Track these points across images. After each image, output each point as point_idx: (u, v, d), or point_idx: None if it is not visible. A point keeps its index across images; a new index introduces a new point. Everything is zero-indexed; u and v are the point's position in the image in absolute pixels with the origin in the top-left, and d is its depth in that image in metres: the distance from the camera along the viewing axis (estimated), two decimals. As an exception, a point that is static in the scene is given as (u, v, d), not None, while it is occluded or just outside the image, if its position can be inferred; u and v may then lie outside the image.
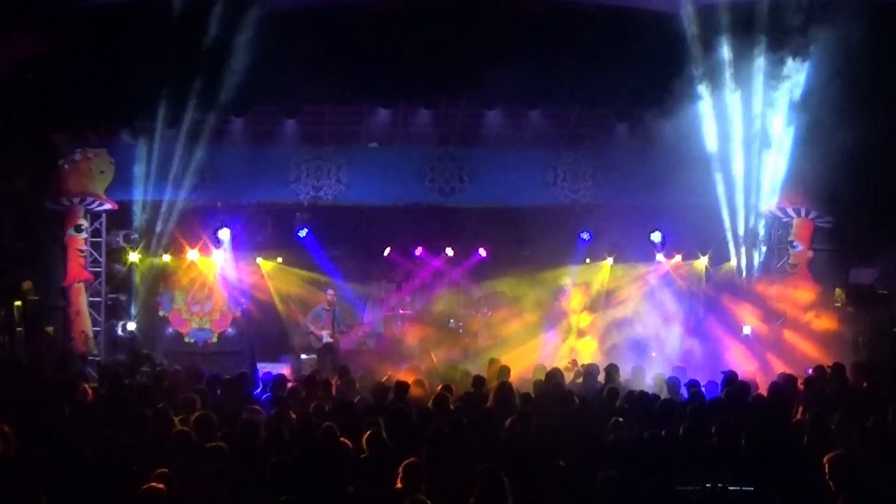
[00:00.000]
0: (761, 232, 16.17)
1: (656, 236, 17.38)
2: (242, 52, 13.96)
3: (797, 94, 14.48)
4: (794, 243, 16.35)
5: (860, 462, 6.80)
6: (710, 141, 15.37)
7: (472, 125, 16.46)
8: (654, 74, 14.30)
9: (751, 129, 15.25)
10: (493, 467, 6.23)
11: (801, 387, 10.97)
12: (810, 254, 16.28)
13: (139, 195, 15.96)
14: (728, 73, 14.59)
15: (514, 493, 6.49)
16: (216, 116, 14.72)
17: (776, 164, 15.42)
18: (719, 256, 16.84)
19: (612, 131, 15.98)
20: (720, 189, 15.70)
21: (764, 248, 16.22)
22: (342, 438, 7.71)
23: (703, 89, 14.73)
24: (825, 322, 15.63)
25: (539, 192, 16.74)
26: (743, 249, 16.27)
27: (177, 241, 16.36)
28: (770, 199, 15.79)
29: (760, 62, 14.46)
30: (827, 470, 6.56)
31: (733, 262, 16.40)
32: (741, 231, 16.14)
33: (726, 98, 14.95)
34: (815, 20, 13.57)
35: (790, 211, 16.29)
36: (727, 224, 16.06)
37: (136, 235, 16.29)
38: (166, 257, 16.40)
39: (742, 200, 15.84)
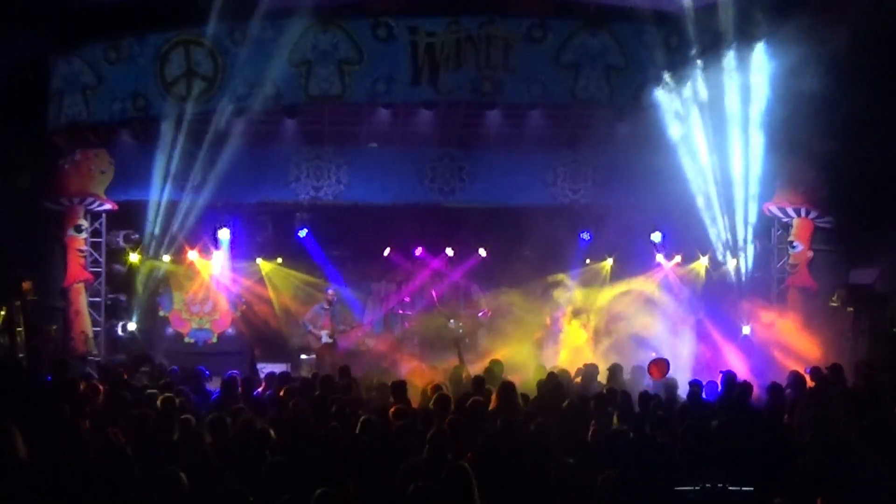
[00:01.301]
0: (749, 232, 16.07)
1: (656, 236, 17.39)
2: (242, 52, 14.01)
3: (788, 88, 14.34)
4: (794, 243, 16.37)
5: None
6: (698, 140, 15.32)
7: (471, 125, 16.46)
8: (654, 73, 14.34)
9: (737, 126, 15.18)
10: (462, 466, 6.25)
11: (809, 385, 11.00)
12: (810, 254, 16.29)
13: (139, 195, 15.96)
14: (721, 72, 14.58)
15: (515, 494, 6.50)
16: (216, 117, 14.70)
17: (765, 162, 15.35)
18: (719, 258, 16.78)
19: (612, 131, 15.97)
20: (702, 188, 15.65)
21: (751, 250, 16.12)
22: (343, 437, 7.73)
23: (699, 88, 14.73)
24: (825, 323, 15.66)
25: (539, 192, 16.73)
26: (729, 250, 16.22)
27: (177, 242, 16.34)
28: (755, 199, 15.71)
29: (756, 59, 14.42)
30: None
31: (731, 263, 16.36)
32: (726, 231, 16.09)
33: (718, 96, 14.92)
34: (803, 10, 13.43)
35: (790, 211, 16.31)
36: (716, 224, 16.03)
37: (138, 236, 16.31)
38: (166, 258, 16.38)
39: (730, 200, 15.77)
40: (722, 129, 15.20)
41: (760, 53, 14.43)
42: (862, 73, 13.05)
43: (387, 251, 18.15)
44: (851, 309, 15.62)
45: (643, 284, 17.57)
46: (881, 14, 12.58)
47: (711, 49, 14.30)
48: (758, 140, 15.07)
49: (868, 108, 13.20)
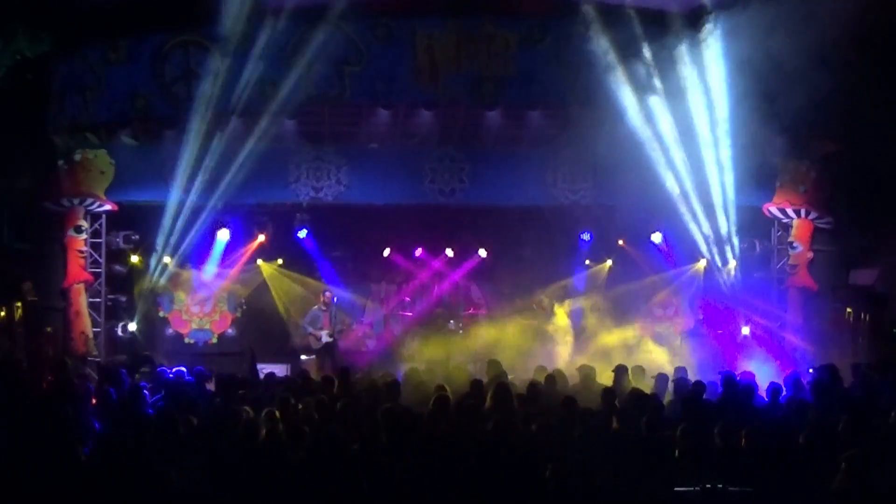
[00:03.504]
0: (732, 231, 16.04)
1: (657, 237, 17.38)
2: (242, 53, 14.01)
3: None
4: (794, 244, 16.39)
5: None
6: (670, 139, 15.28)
7: (471, 125, 16.45)
8: (648, 71, 14.35)
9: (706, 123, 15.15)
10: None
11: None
12: (810, 255, 16.31)
13: (139, 196, 15.95)
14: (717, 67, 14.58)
15: (513, 494, 6.50)
16: (216, 117, 14.70)
17: (735, 160, 15.32)
18: (713, 259, 16.75)
19: (612, 131, 15.94)
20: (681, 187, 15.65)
21: (737, 245, 16.10)
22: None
23: (698, 86, 14.73)
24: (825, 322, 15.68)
25: (539, 192, 16.69)
26: (719, 248, 16.21)
27: (177, 242, 16.31)
28: (732, 198, 15.69)
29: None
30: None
31: (731, 263, 16.34)
32: (714, 229, 16.08)
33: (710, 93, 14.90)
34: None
35: (790, 212, 16.32)
36: (699, 224, 16.04)
37: (137, 236, 16.30)
38: (166, 258, 16.38)
39: (708, 198, 15.78)
40: (694, 126, 15.16)
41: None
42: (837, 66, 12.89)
43: (387, 252, 18.14)
44: (851, 310, 15.64)
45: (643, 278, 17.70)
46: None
47: (709, 44, 14.28)
48: (724, 138, 15.03)
49: (865, 107, 13.20)
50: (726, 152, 15.10)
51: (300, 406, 9.52)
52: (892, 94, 13.49)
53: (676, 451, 7.72)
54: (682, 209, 15.81)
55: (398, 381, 10.44)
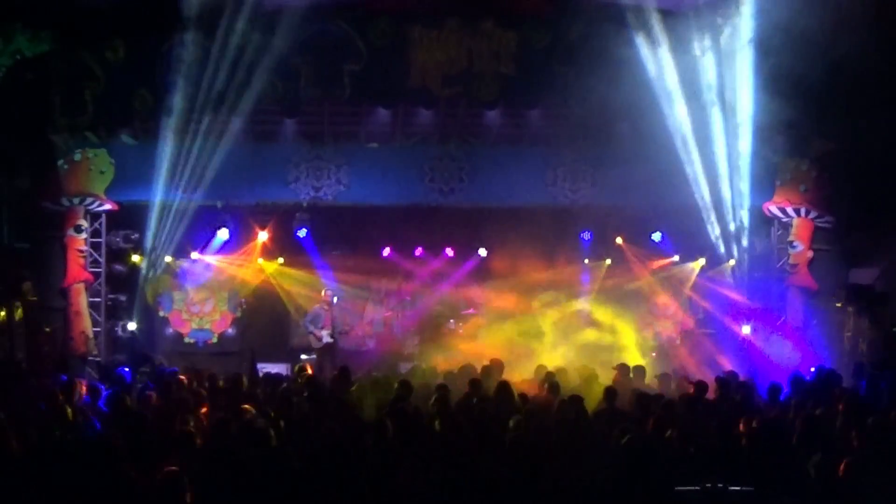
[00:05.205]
0: (743, 229, 16.04)
1: (656, 236, 17.38)
2: (242, 52, 14.02)
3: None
4: (794, 243, 16.37)
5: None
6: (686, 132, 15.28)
7: (471, 125, 16.45)
8: (655, 69, 14.37)
9: (720, 119, 15.14)
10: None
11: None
12: (810, 254, 16.30)
13: (139, 196, 15.95)
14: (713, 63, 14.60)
15: (513, 494, 6.50)
16: (216, 117, 14.70)
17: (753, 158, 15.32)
18: (718, 257, 16.78)
19: (612, 131, 15.95)
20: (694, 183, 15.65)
21: (746, 243, 16.11)
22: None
23: (700, 83, 14.73)
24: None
25: (539, 191, 16.69)
26: (725, 246, 16.21)
27: (176, 242, 16.32)
28: (746, 195, 15.70)
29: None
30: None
31: (731, 262, 16.35)
32: (723, 228, 16.08)
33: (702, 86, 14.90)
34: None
35: (790, 211, 16.31)
36: (710, 221, 16.04)
37: (137, 235, 16.30)
38: (167, 258, 16.38)
39: (728, 197, 15.77)
40: (708, 120, 15.15)
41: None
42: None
43: (386, 251, 18.13)
44: (851, 309, 15.64)
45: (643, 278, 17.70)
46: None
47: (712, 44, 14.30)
48: (746, 134, 15.02)
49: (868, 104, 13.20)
50: (746, 148, 15.08)
51: (301, 406, 9.54)
52: (892, 92, 13.48)
53: (677, 451, 7.72)
54: (683, 208, 15.81)
55: (409, 382, 10.42)
